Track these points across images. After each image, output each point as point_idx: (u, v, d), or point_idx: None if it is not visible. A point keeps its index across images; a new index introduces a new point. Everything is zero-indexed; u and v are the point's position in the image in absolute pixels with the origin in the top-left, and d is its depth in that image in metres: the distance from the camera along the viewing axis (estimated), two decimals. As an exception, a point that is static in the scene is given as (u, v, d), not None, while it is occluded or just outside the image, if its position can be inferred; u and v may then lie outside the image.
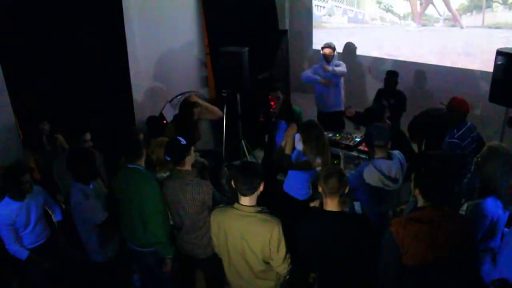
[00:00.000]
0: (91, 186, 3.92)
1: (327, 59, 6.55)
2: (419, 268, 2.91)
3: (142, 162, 3.93)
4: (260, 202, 3.24)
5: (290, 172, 4.52)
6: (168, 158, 3.76)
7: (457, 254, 2.92)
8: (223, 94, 6.24)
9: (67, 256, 4.24)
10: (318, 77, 6.61)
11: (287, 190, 4.55)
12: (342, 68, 6.60)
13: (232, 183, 3.17)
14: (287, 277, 3.40)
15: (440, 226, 2.86)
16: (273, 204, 3.40)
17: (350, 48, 8.25)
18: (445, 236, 2.87)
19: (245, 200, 3.17)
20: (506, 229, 3.37)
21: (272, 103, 5.50)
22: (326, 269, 3.25)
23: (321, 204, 3.27)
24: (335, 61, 6.61)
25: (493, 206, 3.28)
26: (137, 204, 3.79)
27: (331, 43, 6.62)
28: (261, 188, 3.18)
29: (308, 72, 6.79)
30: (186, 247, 3.97)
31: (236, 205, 3.21)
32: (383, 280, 3.08)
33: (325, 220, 3.12)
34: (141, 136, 4.74)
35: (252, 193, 3.15)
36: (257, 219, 3.14)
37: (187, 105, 5.50)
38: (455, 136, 4.49)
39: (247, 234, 3.16)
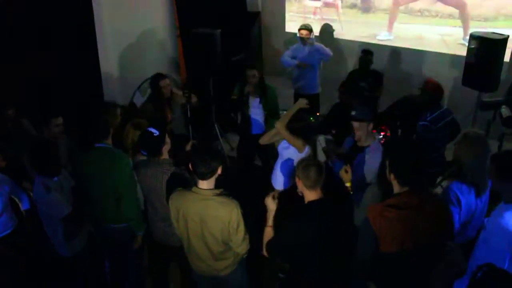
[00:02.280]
0: (55, 179, 3.72)
1: (304, 41, 6.47)
2: (397, 255, 2.88)
3: (109, 141, 3.92)
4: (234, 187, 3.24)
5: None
6: (145, 153, 3.69)
7: (435, 239, 2.91)
8: (185, 95, 5.96)
9: (35, 246, 4.11)
10: (295, 62, 6.55)
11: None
12: (328, 50, 6.56)
13: (190, 166, 3.13)
14: (245, 255, 3.42)
15: (418, 212, 2.84)
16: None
17: (326, 30, 8.17)
18: (423, 222, 2.85)
19: (203, 184, 3.15)
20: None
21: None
22: (310, 263, 3.19)
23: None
24: (312, 44, 6.51)
25: (456, 189, 3.29)
26: (109, 183, 3.80)
27: (308, 24, 6.53)
28: (219, 171, 3.16)
29: (286, 56, 6.67)
30: (160, 235, 3.91)
31: (194, 188, 3.19)
32: (360, 268, 3.06)
33: (311, 215, 3.09)
34: (118, 110, 4.60)
35: (211, 176, 3.13)
36: (216, 202, 3.14)
37: (154, 80, 5.34)
38: (427, 119, 4.52)
39: (206, 217, 3.16)
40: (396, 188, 2.94)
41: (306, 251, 3.08)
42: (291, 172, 4.14)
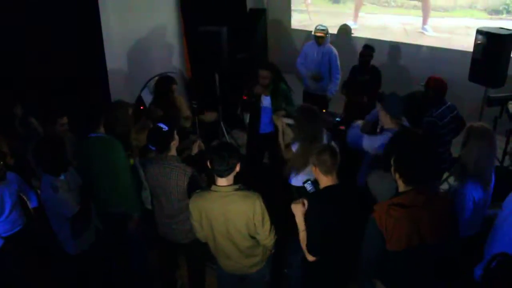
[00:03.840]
0: (62, 177, 3.72)
1: (319, 42, 6.54)
2: (403, 253, 2.88)
3: (101, 130, 4.09)
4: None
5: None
6: (153, 148, 3.69)
7: (442, 238, 2.91)
8: (194, 106, 5.99)
9: (43, 244, 4.13)
10: (306, 73, 6.69)
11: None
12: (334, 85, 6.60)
13: (208, 164, 3.13)
14: (273, 251, 3.45)
15: (424, 210, 2.84)
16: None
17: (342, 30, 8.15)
18: (429, 220, 2.85)
19: (222, 181, 3.15)
20: (491, 211, 3.39)
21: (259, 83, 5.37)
22: (328, 249, 3.21)
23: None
24: (327, 45, 6.57)
25: (472, 189, 3.30)
26: (105, 168, 3.96)
27: (324, 27, 6.58)
28: (238, 168, 3.16)
29: (299, 64, 6.76)
30: (168, 232, 3.92)
31: (213, 187, 3.19)
32: (365, 266, 3.07)
33: (328, 200, 3.14)
34: (130, 110, 4.59)
35: (229, 173, 3.13)
36: (237, 197, 3.14)
37: (164, 81, 5.37)
38: (433, 114, 4.51)
39: (230, 213, 3.15)
40: (401, 186, 2.93)
41: (330, 236, 3.11)
42: None
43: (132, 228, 4.17)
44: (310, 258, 3.19)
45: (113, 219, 4.13)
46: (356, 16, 8.00)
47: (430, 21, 7.27)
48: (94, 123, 4.05)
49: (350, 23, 7.98)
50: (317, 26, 6.60)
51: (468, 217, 3.30)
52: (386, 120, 4.15)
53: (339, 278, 3.37)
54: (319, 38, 6.52)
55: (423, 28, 7.32)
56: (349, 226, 3.10)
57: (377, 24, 7.83)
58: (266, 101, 5.38)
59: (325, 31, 6.52)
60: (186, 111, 5.60)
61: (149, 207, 4.16)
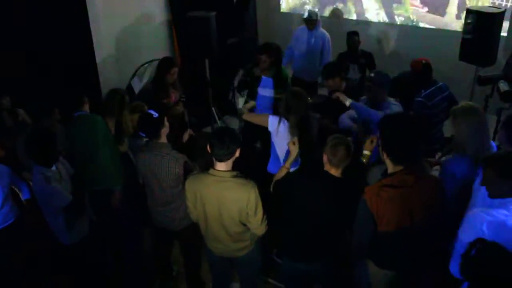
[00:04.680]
0: (54, 168, 3.71)
1: (309, 27, 6.48)
2: (393, 233, 2.90)
3: (86, 108, 4.23)
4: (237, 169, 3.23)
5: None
6: (143, 135, 3.68)
7: (431, 216, 2.92)
8: (182, 99, 5.86)
9: (36, 236, 4.11)
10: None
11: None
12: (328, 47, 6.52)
13: (208, 148, 3.12)
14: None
15: (413, 190, 2.85)
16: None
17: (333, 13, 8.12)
18: (419, 199, 2.86)
19: (221, 166, 3.15)
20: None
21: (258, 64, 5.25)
22: (305, 229, 3.25)
23: None
24: (319, 29, 6.52)
25: (460, 165, 3.30)
26: (89, 145, 4.11)
27: (315, 12, 6.53)
28: (237, 154, 3.16)
29: (289, 47, 6.69)
30: (161, 220, 3.93)
31: (211, 171, 3.19)
32: (356, 248, 3.08)
33: (326, 183, 3.16)
34: (127, 98, 4.59)
35: (229, 158, 3.13)
36: (233, 184, 3.14)
37: (167, 62, 5.33)
38: (422, 95, 4.52)
39: (224, 199, 3.16)
40: (390, 167, 2.93)
41: (293, 205, 3.21)
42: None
43: (115, 203, 4.22)
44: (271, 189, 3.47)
45: (99, 197, 4.17)
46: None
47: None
48: (77, 101, 4.18)
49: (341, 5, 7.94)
50: (307, 10, 6.53)
51: (452, 193, 3.29)
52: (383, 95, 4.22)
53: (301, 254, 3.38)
54: (310, 22, 6.45)
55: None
56: (321, 212, 3.14)
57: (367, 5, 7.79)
58: (268, 81, 5.27)
59: (316, 14, 6.46)
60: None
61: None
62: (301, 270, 3.40)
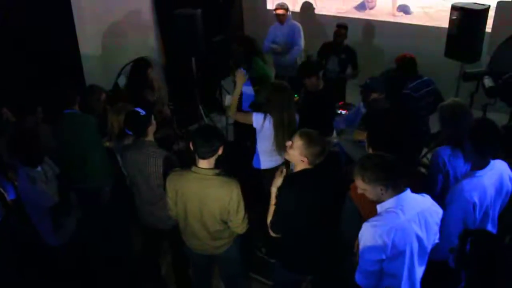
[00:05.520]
0: (39, 168, 3.67)
1: (280, 20, 6.43)
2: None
3: (76, 107, 4.21)
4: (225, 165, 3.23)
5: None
6: (129, 132, 3.65)
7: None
8: (170, 107, 5.88)
9: (22, 237, 4.06)
10: (273, 46, 6.50)
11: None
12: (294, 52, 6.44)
13: (191, 145, 3.10)
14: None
15: None
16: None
17: (306, 7, 8.09)
18: None
19: (204, 163, 3.13)
20: None
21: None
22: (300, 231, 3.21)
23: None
24: (290, 22, 6.47)
25: (446, 155, 3.32)
26: (79, 144, 4.12)
27: (283, 3, 6.48)
28: (220, 151, 3.14)
29: (266, 42, 6.60)
30: (149, 219, 3.90)
31: (194, 168, 3.16)
32: (347, 242, 3.07)
33: (310, 179, 3.09)
34: (103, 96, 4.58)
35: (211, 156, 3.10)
36: (216, 181, 3.13)
37: (141, 64, 5.31)
38: (408, 87, 4.59)
39: (206, 197, 3.14)
40: None
41: (296, 218, 3.09)
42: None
43: (104, 200, 4.24)
44: (270, 232, 3.20)
45: (86, 194, 4.13)
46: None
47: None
48: (68, 99, 4.18)
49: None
50: (276, 4, 6.50)
51: (440, 188, 3.34)
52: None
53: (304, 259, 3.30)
54: (280, 16, 6.40)
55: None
56: (319, 209, 3.08)
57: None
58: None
59: (285, 7, 6.40)
60: (165, 96, 5.55)
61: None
62: (295, 279, 3.41)
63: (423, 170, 4.36)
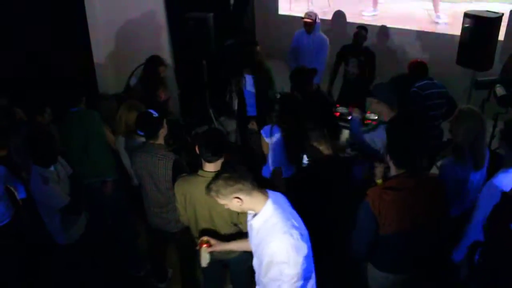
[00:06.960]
0: (52, 168, 3.69)
1: (307, 29, 6.34)
2: (394, 236, 2.90)
3: (83, 105, 4.28)
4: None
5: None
6: (141, 133, 3.66)
7: (433, 219, 2.93)
8: (181, 123, 5.94)
9: (32, 235, 4.09)
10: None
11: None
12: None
13: (196, 149, 3.11)
14: None
15: (415, 193, 2.86)
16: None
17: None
18: (421, 203, 2.87)
19: (210, 167, 3.12)
20: None
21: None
22: None
23: None
24: (317, 33, 6.37)
25: (457, 168, 3.33)
26: (79, 134, 4.15)
27: (312, 12, 6.39)
28: (226, 155, 3.14)
29: (290, 52, 6.58)
30: (157, 222, 3.90)
31: (200, 172, 3.16)
32: (357, 250, 3.06)
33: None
34: (115, 104, 4.61)
35: (217, 159, 3.10)
36: None
37: (154, 61, 5.34)
38: (415, 85, 4.63)
39: (214, 200, 3.10)
40: (393, 170, 2.95)
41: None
42: None
43: (107, 192, 4.27)
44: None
45: (91, 190, 4.21)
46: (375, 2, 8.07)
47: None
48: (75, 97, 4.24)
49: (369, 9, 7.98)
50: (306, 12, 6.43)
51: (450, 196, 3.31)
52: (384, 111, 4.06)
53: None
54: (307, 25, 6.31)
55: (436, 17, 7.34)
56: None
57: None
58: (249, 81, 5.32)
59: (313, 17, 6.30)
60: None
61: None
62: None
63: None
